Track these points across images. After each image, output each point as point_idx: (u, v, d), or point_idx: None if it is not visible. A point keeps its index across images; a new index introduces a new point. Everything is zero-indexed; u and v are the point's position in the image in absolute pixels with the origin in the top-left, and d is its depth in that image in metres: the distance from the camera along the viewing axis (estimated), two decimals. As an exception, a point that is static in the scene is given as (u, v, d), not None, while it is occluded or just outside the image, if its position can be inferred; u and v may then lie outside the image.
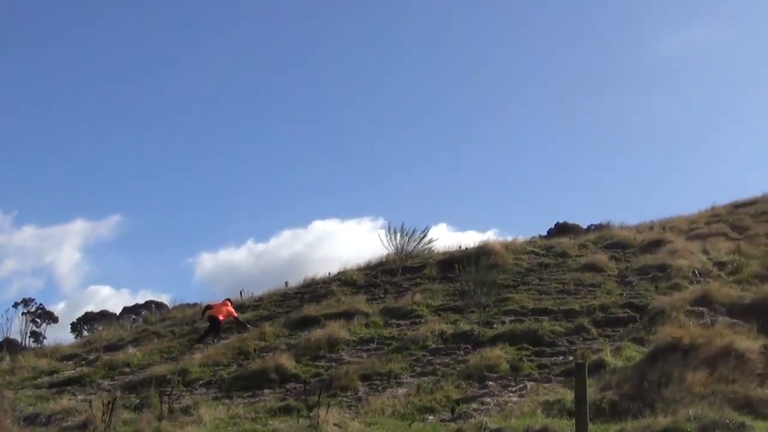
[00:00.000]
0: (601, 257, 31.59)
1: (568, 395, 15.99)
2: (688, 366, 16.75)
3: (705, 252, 31.64)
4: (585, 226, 47.98)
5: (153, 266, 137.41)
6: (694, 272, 27.51)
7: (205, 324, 28.79)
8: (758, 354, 17.34)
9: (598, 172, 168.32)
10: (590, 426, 14.03)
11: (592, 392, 15.90)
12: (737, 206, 48.41)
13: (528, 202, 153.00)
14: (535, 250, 34.79)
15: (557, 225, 50.00)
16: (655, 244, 33.18)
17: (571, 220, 50.37)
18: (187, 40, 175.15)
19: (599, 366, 18.45)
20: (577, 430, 13.60)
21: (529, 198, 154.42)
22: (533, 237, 41.37)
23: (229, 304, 29.55)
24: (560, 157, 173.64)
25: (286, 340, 25.48)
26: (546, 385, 18.59)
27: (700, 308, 22.00)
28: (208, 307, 28.91)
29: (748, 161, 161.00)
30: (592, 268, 30.08)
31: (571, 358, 20.01)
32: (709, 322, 20.75)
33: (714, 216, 46.03)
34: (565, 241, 36.40)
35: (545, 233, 47.86)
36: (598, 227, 43.91)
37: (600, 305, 24.42)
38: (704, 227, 41.42)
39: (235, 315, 28.86)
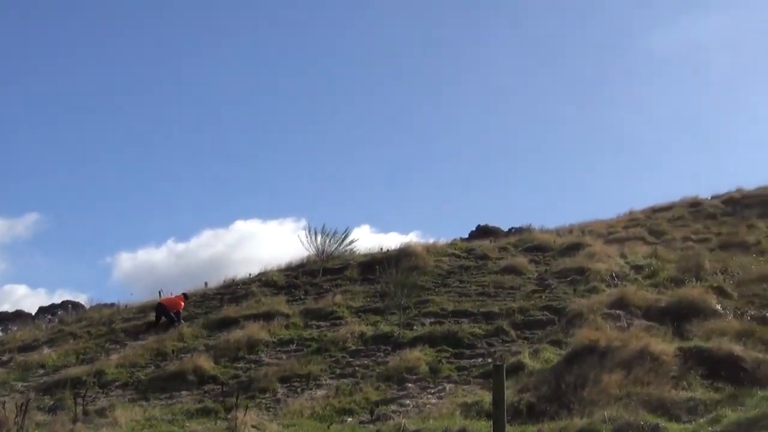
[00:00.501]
0: (521, 260, 31.88)
1: (487, 397, 16.03)
2: (604, 368, 16.92)
3: (623, 256, 32.13)
4: (506, 229, 48.26)
5: (71, 265, 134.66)
6: (611, 275, 27.91)
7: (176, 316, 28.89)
8: (673, 356, 17.58)
9: (520, 175, 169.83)
10: (508, 427, 14.09)
11: (510, 394, 16.01)
12: (655, 211, 49.43)
13: (451, 205, 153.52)
14: (456, 252, 34.94)
15: (478, 227, 50.12)
16: (574, 248, 33.61)
17: (492, 223, 50.55)
18: (100, 31, 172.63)
19: (518, 368, 18.60)
20: (495, 432, 13.70)
21: (452, 200, 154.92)
22: (454, 239, 41.53)
23: (183, 298, 29.96)
24: (483, 160, 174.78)
25: (205, 341, 25.20)
26: (465, 386, 18.70)
27: (617, 311, 22.32)
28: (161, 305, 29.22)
29: (666, 166, 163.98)
30: (512, 270, 30.33)
31: (490, 360, 20.11)
32: (626, 324, 21.07)
33: (632, 220, 46.94)
34: (485, 244, 36.64)
35: (467, 236, 48.04)
36: (519, 230, 44.28)
37: (519, 308, 24.62)
38: (622, 231, 42.18)
39: (179, 309, 28.87)
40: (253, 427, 15.73)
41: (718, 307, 22.69)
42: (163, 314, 28.65)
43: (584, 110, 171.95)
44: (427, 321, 24.50)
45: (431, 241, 38.87)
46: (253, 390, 19.95)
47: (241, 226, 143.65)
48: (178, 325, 27.79)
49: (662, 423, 14.16)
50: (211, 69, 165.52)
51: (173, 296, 30.18)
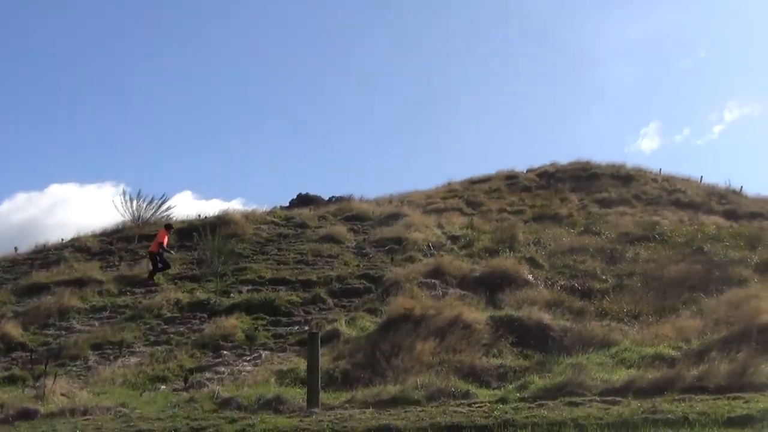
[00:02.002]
0: (340, 229, 32.01)
1: (302, 364, 16.06)
2: (418, 336, 17.17)
3: (440, 226, 32.66)
4: (326, 198, 48.37)
5: None
6: (428, 245, 28.31)
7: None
8: (485, 325, 18.03)
9: (345, 144, 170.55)
10: (322, 394, 14.16)
11: (325, 361, 16.08)
12: (473, 182, 50.44)
13: (275, 173, 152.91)
14: (275, 220, 34.83)
15: (299, 196, 50.04)
16: (392, 218, 33.99)
17: (314, 192, 50.53)
18: None
19: (334, 336, 18.69)
20: (308, 399, 13.69)
21: (276, 168, 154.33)
22: (274, 207, 41.39)
23: (165, 232, 28.36)
24: (309, 129, 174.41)
25: (14, 308, 24.25)
26: (281, 354, 18.66)
27: (433, 280, 22.72)
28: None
29: (484, 139, 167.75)
30: (331, 239, 30.42)
31: (306, 327, 20.12)
32: (441, 293, 21.47)
33: (450, 191, 47.76)
34: (305, 212, 36.66)
35: (288, 204, 47.94)
36: (339, 199, 44.41)
37: (337, 276, 24.75)
38: (441, 202, 42.87)
39: (162, 241, 27.54)
40: (62, 395, 15.20)
41: (530, 277, 23.41)
42: (157, 260, 27.19)
43: (408, 81, 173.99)
44: (245, 289, 24.34)
45: (253, 208, 38.66)
46: (64, 357, 19.36)
47: (56, 189, 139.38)
48: (162, 267, 27.05)
49: (473, 389, 14.48)
50: (27, 24, 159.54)
51: (157, 237, 28.25)
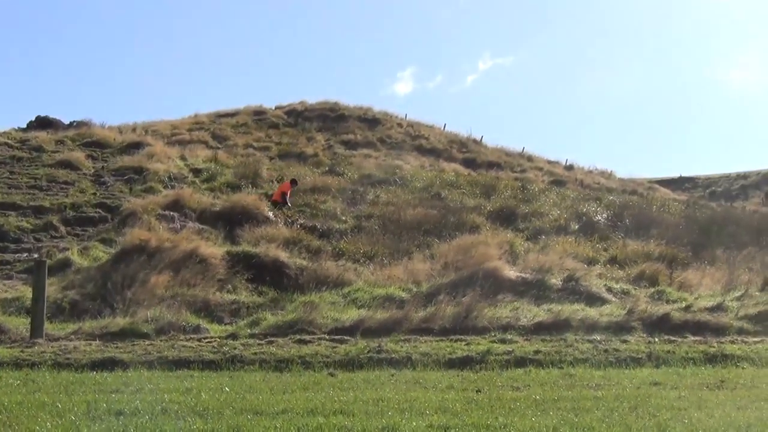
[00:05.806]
0: (78, 155, 30.86)
1: (28, 293, 15.50)
2: (153, 269, 16.98)
3: (183, 158, 32.19)
4: (67, 122, 46.52)
5: None
6: (169, 177, 27.85)
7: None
8: (221, 260, 18.02)
9: (90, 67, 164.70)
10: (48, 324, 13.83)
11: (53, 291, 15.65)
12: (220, 116, 50.02)
13: (13, 92, 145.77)
14: (9, 142, 33.15)
15: (37, 118, 47.85)
16: (134, 146, 33.12)
17: (55, 115, 48.30)
18: None
19: (65, 265, 18.19)
20: (32, 328, 13.30)
21: (15, 87, 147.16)
22: (9, 129, 39.45)
23: (289, 185, 26.85)
24: (52, 47, 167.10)
25: None
26: (6, 282, 17.94)
27: (172, 213, 22.42)
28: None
29: (229, 71, 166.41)
30: (68, 165, 29.28)
31: (36, 255, 19.40)
32: (179, 226, 21.24)
33: (197, 123, 47.17)
34: (41, 135, 35.11)
35: (25, 126, 45.82)
36: (80, 124, 42.89)
37: (72, 204, 23.95)
38: (186, 134, 42.27)
39: (284, 191, 26.20)
40: None
41: (270, 214, 23.53)
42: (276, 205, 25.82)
43: (160, 8, 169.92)
44: (-30, 212, 23.09)
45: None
46: None
47: None
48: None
49: (204, 324, 14.54)
50: None
51: (279, 190, 26.74)
